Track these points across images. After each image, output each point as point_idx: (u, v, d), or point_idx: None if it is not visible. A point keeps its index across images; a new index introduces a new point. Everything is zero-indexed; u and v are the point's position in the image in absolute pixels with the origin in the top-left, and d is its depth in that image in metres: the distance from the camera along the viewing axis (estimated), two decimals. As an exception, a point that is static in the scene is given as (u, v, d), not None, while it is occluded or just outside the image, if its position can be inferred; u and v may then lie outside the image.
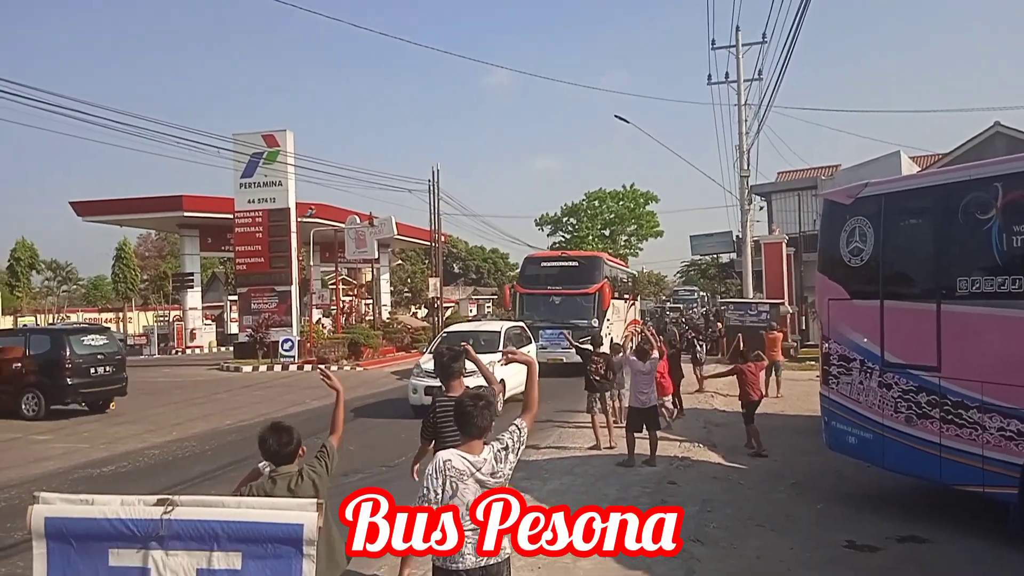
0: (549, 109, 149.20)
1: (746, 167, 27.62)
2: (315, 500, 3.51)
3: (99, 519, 3.40)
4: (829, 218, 8.36)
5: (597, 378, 11.43)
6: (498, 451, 3.76)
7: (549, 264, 24.33)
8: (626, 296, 27.50)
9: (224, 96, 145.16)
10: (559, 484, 8.92)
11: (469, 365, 5.35)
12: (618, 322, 24.80)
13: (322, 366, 4.32)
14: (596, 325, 20.91)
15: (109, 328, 20.52)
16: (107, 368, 16.46)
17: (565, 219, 68.30)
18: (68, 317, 53.06)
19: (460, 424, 3.80)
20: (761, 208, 34.28)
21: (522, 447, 3.83)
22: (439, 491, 3.59)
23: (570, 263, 23.95)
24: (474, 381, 5.34)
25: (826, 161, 47.41)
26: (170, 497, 3.43)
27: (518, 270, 25.57)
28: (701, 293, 72.16)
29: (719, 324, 25.83)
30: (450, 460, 3.67)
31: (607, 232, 67.19)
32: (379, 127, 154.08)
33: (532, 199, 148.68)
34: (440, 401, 5.06)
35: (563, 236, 67.67)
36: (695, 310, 55.56)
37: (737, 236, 34.62)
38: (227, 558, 3.34)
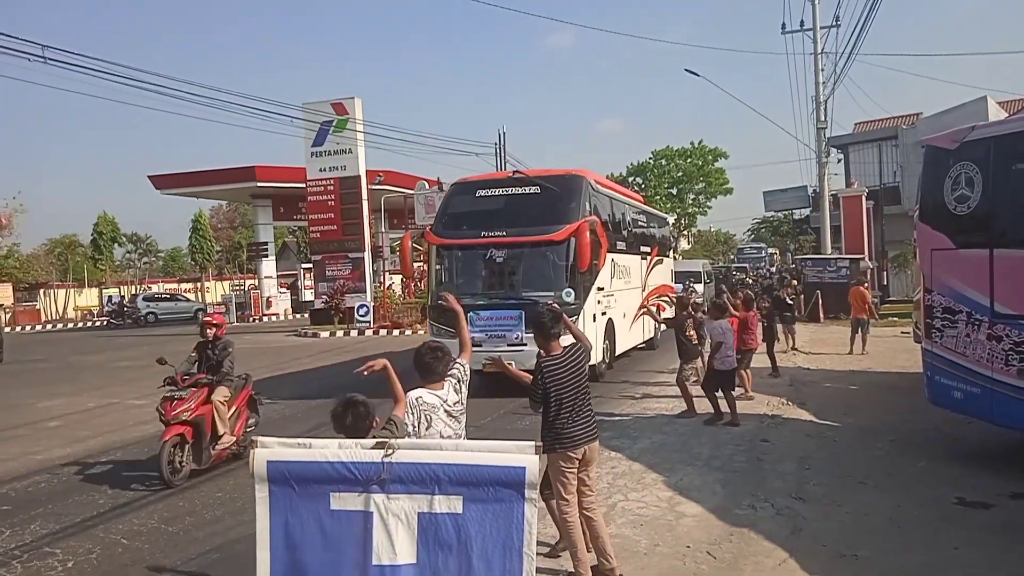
0: (612, 69, 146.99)
1: (823, 118, 26.74)
2: (534, 443, 3.50)
3: (321, 462, 3.43)
4: (932, 165, 7.96)
5: (694, 343, 10.75)
6: (455, 384, 4.50)
7: (488, 193, 13.73)
8: (644, 250, 17.92)
9: (290, 65, 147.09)
10: (649, 443, 8.85)
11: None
12: (626, 291, 15.77)
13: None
14: (573, 300, 12.20)
15: None
16: None
17: (631, 179, 67.08)
18: (149, 288, 55.11)
19: (424, 372, 4.44)
20: (839, 161, 33.17)
21: (468, 379, 4.64)
22: (416, 424, 4.19)
23: (524, 190, 13.35)
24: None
25: (903, 109, 45.49)
26: (388, 440, 3.45)
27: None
28: (770, 251, 70.08)
29: (795, 282, 25.02)
30: (421, 396, 4.30)
31: (675, 191, 65.86)
32: (442, 91, 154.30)
33: (597, 160, 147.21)
34: (545, 363, 5.04)
35: (629, 197, 66.31)
36: (763, 269, 53.95)
37: (813, 190, 33.66)
38: (448, 502, 3.34)
